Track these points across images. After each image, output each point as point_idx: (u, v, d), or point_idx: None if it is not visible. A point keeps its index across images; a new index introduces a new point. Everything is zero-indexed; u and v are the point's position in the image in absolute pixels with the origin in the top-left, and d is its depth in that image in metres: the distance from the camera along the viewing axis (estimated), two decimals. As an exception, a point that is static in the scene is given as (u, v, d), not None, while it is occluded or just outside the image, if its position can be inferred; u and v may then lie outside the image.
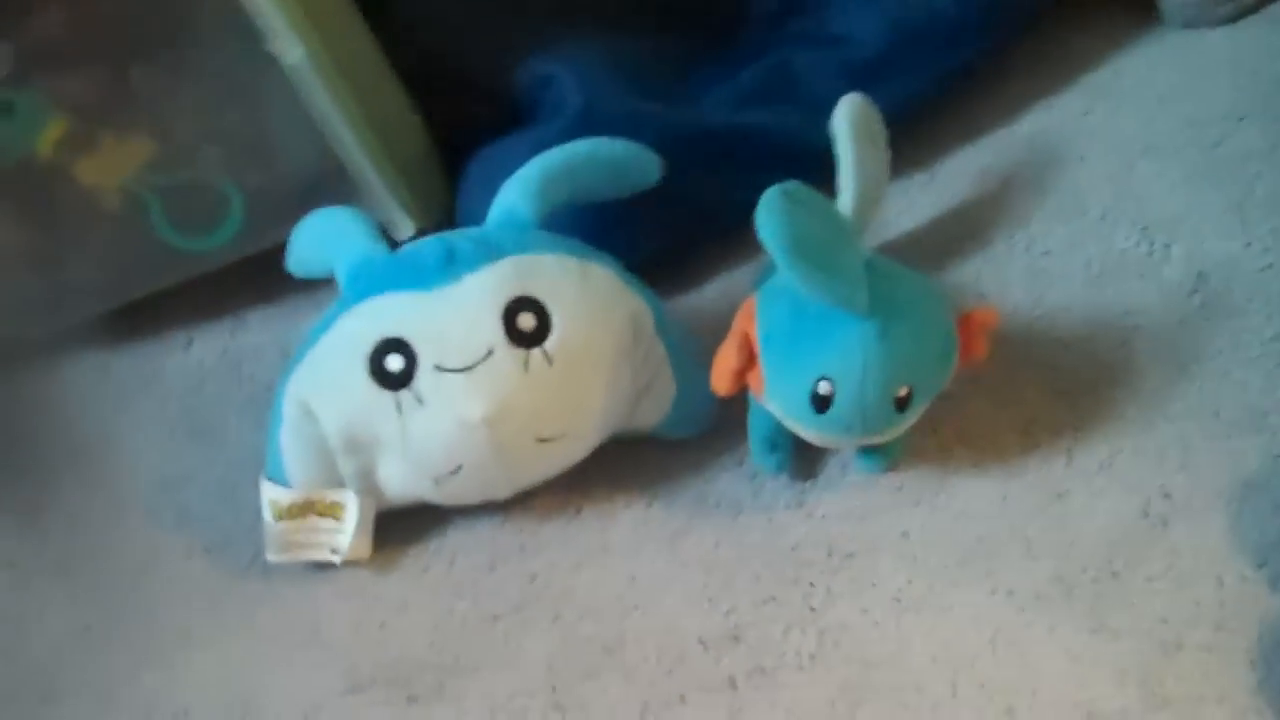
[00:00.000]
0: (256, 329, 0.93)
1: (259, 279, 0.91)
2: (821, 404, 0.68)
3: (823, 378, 0.68)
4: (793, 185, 0.67)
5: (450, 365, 0.71)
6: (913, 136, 0.87)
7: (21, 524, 0.85)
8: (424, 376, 0.71)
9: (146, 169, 0.85)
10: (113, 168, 0.85)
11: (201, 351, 0.92)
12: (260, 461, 0.82)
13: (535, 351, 0.71)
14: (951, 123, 0.91)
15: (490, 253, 0.73)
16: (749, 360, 0.71)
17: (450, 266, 0.72)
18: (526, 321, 0.71)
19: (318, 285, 0.88)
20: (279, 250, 0.84)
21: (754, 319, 0.71)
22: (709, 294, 0.87)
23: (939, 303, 0.70)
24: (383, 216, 0.87)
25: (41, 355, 0.93)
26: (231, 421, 0.87)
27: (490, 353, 0.71)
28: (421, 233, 0.86)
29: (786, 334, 0.69)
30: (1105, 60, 0.94)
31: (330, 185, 0.86)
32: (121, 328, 0.94)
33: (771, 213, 0.66)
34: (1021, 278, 0.83)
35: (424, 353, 0.71)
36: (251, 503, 0.81)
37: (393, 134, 0.86)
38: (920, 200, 0.88)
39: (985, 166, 0.89)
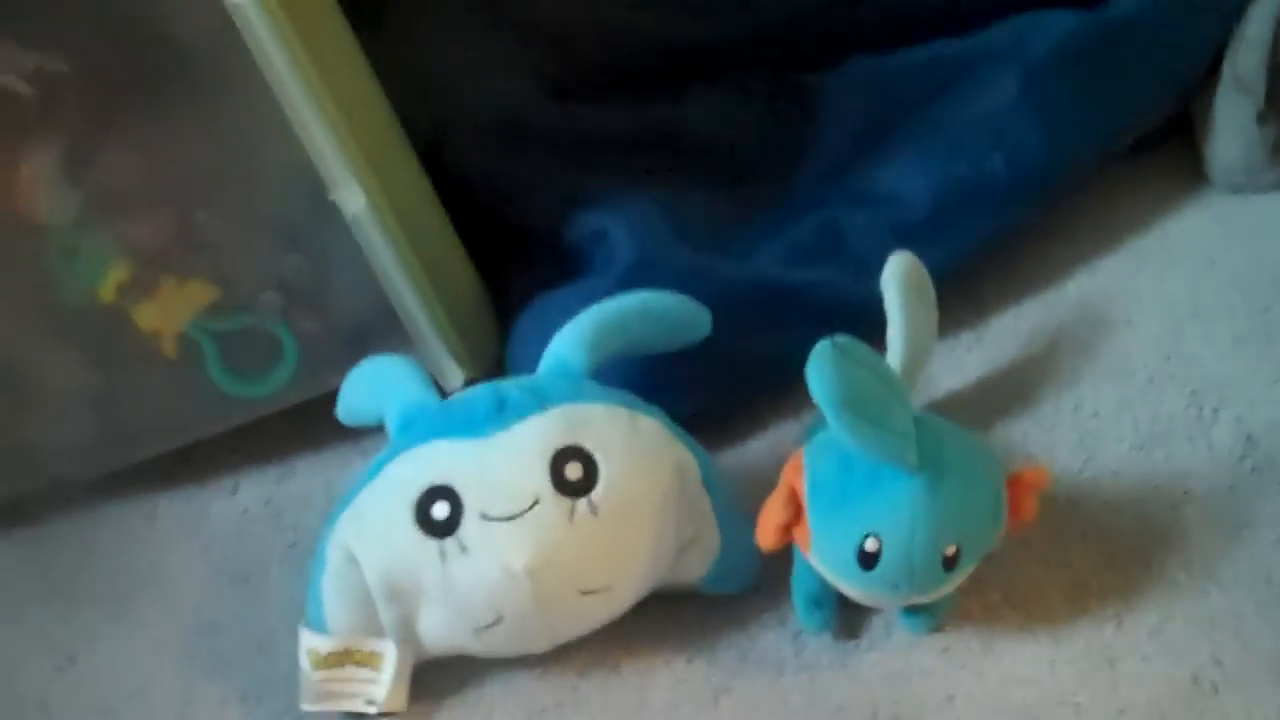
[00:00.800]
0: (303, 476, 0.93)
1: (307, 426, 0.92)
2: (868, 561, 0.68)
3: (870, 534, 0.67)
4: (844, 339, 0.67)
5: (495, 514, 0.71)
6: (960, 296, 0.88)
7: (58, 666, 0.84)
8: (469, 524, 0.71)
9: (205, 314, 0.86)
10: (172, 312, 0.86)
11: (247, 498, 0.92)
12: (299, 611, 0.81)
13: (581, 502, 0.71)
14: (999, 283, 0.92)
15: (540, 401, 0.73)
16: (795, 515, 0.70)
17: (500, 415, 0.73)
18: (574, 471, 0.71)
19: (364, 434, 0.89)
20: (328, 397, 0.85)
21: (801, 473, 0.70)
22: (755, 449, 0.87)
23: (989, 461, 0.70)
24: (433, 365, 0.88)
25: (87, 499, 0.93)
26: (273, 569, 0.87)
27: (536, 502, 0.71)
28: (470, 382, 0.87)
29: (834, 489, 0.69)
30: (1152, 223, 0.94)
31: (382, 332, 0.87)
32: (168, 471, 0.94)
33: (823, 365, 0.66)
34: (1069, 440, 0.82)
35: (470, 500, 0.71)
36: (288, 652, 0.80)
37: (446, 284, 0.87)
38: (967, 360, 0.88)
39: (1033, 328, 0.90)
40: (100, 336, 0.87)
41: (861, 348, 0.68)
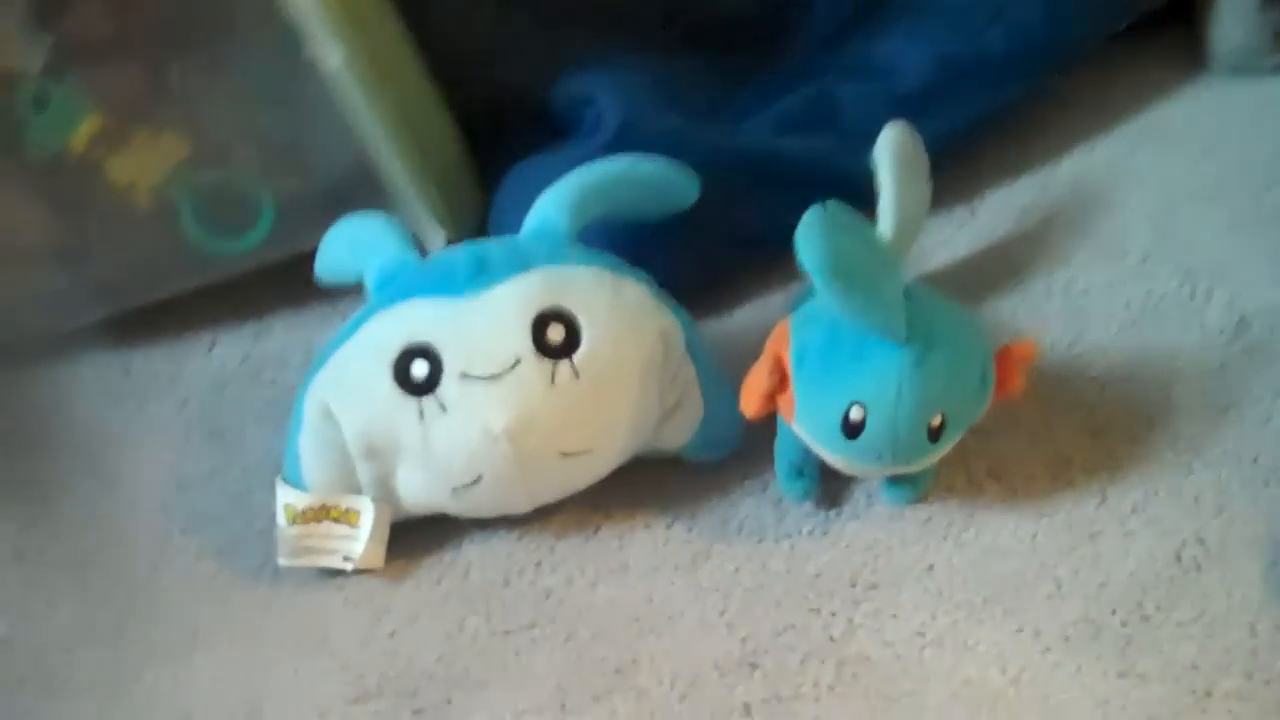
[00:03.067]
0: (280, 335, 0.91)
1: (284, 284, 0.90)
2: (853, 430, 0.67)
3: (855, 403, 0.66)
4: (835, 206, 0.66)
5: (476, 373, 0.69)
6: (954, 171, 0.87)
7: (33, 517, 0.83)
8: (448, 383, 0.70)
9: (179, 168, 0.85)
10: (146, 166, 0.84)
11: (223, 355, 0.91)
12: (276, 467, 0.81)
13: (563, 364, 0.70)
14: (994, 159, 0.91)
15: (523, 262, 0.72)
16: (780, 383, 0.69)
17: (482, 274, 0.71)
18: (556, 333, 0.70)
19: (342, 293, 0.88)
20: (306, 256, 0.84)
21: (787, 341, 0.69)
22: (741, 319, 0.86)
23: (977, 334, 0.69)
24: (415, 225, 0.86)
25: (62, 351, 0.92)
26: (250, 426, 0.86)
27: (517, 362, 0.70)
28: (452, 244, 0.85)
29: (820, 357, 0.68)
30: (1151, 104, 0.93)
31: (362, 192, 0.85)
32: (143, 327, 0.92)
33: (812, 232, 0.64)
34: (1059, 316, 0.81)
35: (450, 359, 0.70)
36: (265, 508, 0.79)
37: (428, 143, 0.86)
38: (959, 235, 0.87)
39: (1026, 204, 0.88)
40: (72, 189, 0.85)
41: (852, 215, 0.67)
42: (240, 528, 0.80)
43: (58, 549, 0.82)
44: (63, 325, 0.91)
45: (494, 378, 0.69)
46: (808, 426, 0.69)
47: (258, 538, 0.79)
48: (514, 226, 0.82)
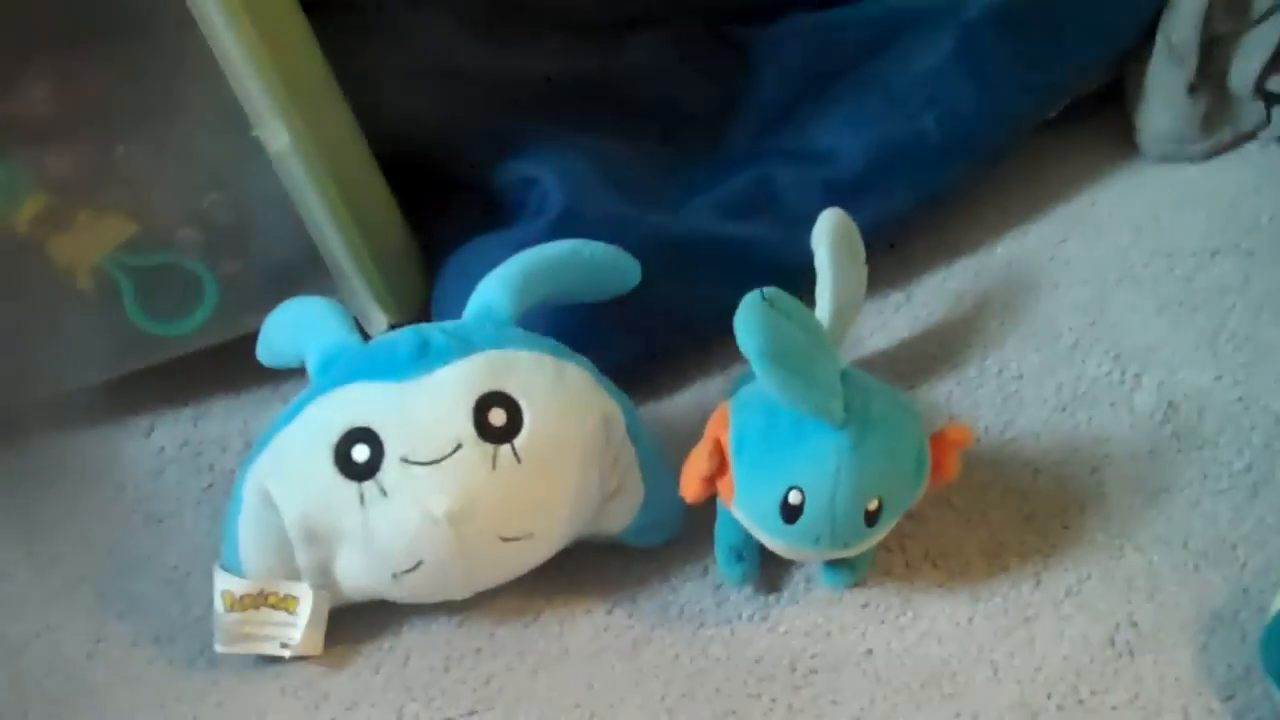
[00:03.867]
0: (220, 419, 0.91)
1: (224, 367, 0.90)
2: (791, 514, 0.68)
3: (793, 487, 0.67)
4: (773, 291, 0.67)
5: (417, 458, 0.70)
6: (890, 255, 0.89)
7: (-36, 606, 0.82)
8: (389, 468, 0.70)
9: (122, 249, 0.84)
10: (89, 246, 0.84)
11: (162, 438, 0.90)
12: (214, 553, 0.80)
13: (504, 448, 0.70)
14: (928, 244, 0.92)
15: (465, 346, 0.72)
16: (720, 467, 0.70)
17: (424, 358, 0.72)
18: (497, 417, 0.70)
19: (283, 376, 0.88)
20: (247, 339, 0.84)
21: (727, 425, 0.70)
22: (680, 403, 0.87)
23: (913, 418, 0.70)
24: (357, 309, 0.86)
25: (-1, 433, 0.91)
26: (188, 512, 0.85)
27: (458, 447, 0.70)
28: (394, 327, 0.86)
29: (759, 441, 0.69)
30: (1082, 189, 0.95)
31: (305, 274, 0.86)
32: (81, 409, 0.92)
33: (750, 316, 0.65)
34: (992, 401, 0.83)
35: (391, 443, 0.70)
36: (202, 594, 0.79)
37: (372, 226, 0.86)
38: (895, 319, 0.89)
39: (960, 289, 0.90)
40: (12, 270, 0.85)
41: (789, 300, 0.68)
42: (177, 614, 0.80)
43: (-12, 635, 0.81)
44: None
45: (435, 462, 0.70)
46: (747, 510, 0.70)
47: (194, 625, 0.79)
48: (456, 309, 0.83)
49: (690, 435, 0.80)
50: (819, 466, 0.67)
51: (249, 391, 0.92)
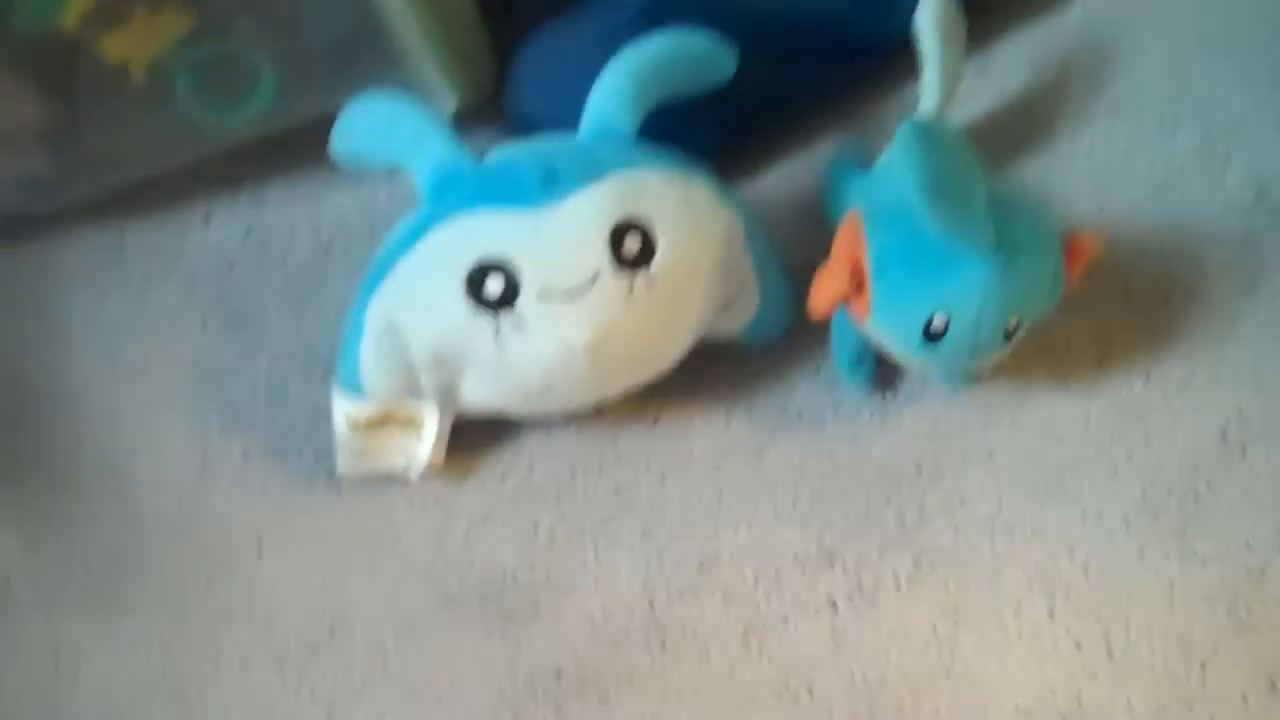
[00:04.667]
0: (280, 207, 0.88)
1: (277, 152, 0.87)
2: (934, 336, 0.68)
3: (939, 310, 0.68)
4: (925, 122, 0.66)
5: (555, 290, 0.69)
6: (966, 17, 0.85)
7: (54, 414, 0.81)
8: (526, 300, 0.69)
9: (178, 43, 0.79)
10: (143, 42, 0.79)
11: (222, 230, 0.87)
12: (306, 357, 0.80)
13: (639, 274, 0.69)
14: (1003, 6, 0.89)
15: (592, 171, 0.70)
16: (857, 287, 0.70)
17: (552, 184, 0.69)
18: (632, 245, 0.69)
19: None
20: (298, 124, 0.80)
21: (862, 244, 0.70)
22: (769, 182, 0.85)
23: (1052, 236, 0.70)
24: (423, 88, 0.83)
25: (48, 232, 0.87)
26: (269, 311, 0.84)
27: (596, 276, 0.69)
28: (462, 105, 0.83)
29: (903, 264, 0.68)
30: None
31: (363, 54, 0.82)
32: (131, 201, 0.88)
33: (913, 152, 0.64)
34: (1085, 182, 0.83)
35: (527, 276, 0.69)
36: (304, 402, 0.79)
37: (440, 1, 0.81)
38: (978, 86, 0.87)
39: (1039, 54, 0.88)
40: (63, 67, 0.79)
41: (939, 128, 0.67)
42: (281, 427, 0.79)
43: (87, 453, 0.80)
44: (48, 205, 0.86)
45: (573, 294, 0.69)
46: (886, 329, 0.70)
47: (302, 437, 0.78)
48: (536, 99, 0.81)
49: (780, 214, 0.81)
50: (966, 292, 0.67)
51: (304, 178, 0.88)
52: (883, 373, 0.77)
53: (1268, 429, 0.73)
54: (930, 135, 0.65)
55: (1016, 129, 0.85)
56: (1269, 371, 0.75)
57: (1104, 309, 0.78)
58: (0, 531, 0.77)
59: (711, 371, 0.78)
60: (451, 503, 0.76)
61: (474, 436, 0.77)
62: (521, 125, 0.82)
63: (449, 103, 0.84)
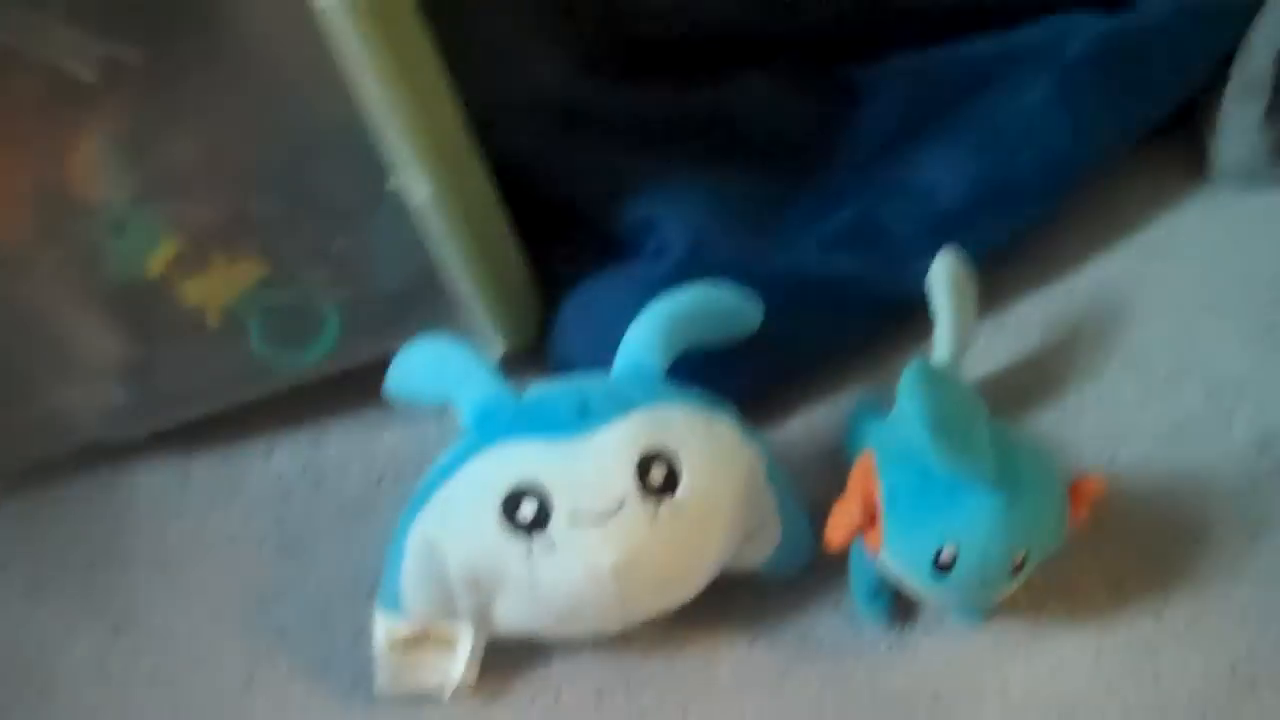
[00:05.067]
0: (337, 442, 0.94)
1: (336, 390, 0.93)
2: (943, 568, 0.72)
3: (947, 544, 0.71)
4: (929, 364, 0.71)
5: (585, 515, 0.73)
6: (983, 283, 0.92)
7: (116, 631, 0.85)
8: (557, 523, 0.73)
9: (252, 289, 0.87)
10: (220, 289, 0.86)
11: (282, 463, 0.93)
12: (352, 581, 0.84)
13: (664, 503, 0.74)
14: (1016, 271, 0.96)
15: (623, 405, 0.75)
16: (870, 519, 0.74)
17: (584, 417, 0.75)
18: (658, 474, 0.74)
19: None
20: (358, 364, 0.87)
21: (875, 479, 0.74)
22: (792, 430, 0.90)
23: (1055, 475, 0.74)
24: (477, 336, 0.89)
25: (119, 461, 0.93)
26: (320, 539, 0.88)
27: (623, 503, 0.73)
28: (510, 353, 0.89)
29: (913, 499, 0.73)
30: (1158, 216, 0.99)
31: (424, 303, 0.88)
32: (198, 435, 0.94)
33: (918, 387, 0.69)
34: (1095, 433, 0.87)
35: (559, 500, 0.73)
36: (346, 624, 0.83)
37: (496, 260, 0.88)
38: (992, 346, 0.92)
39: (1051, 316, 0.94)
40: (143, 309, 0.87)
41: (941, 370, 0.72)
42: (326, 645, 0.83)
43: (145, 664, 0.84)
44: (123, 437, 0.93)
45: (602, 518, 0.73)
46: (898, 561, 0.74)
47: (344, 656, 0.82)
48: (580, 346, 0.87)
49: (804, 457, 0.86)
50: (973, 526, 0.71)
51: (363, 414, 0.94)
52: (901, 607, 0.80)
53: (1275, 668, 0.75)
54: (932, 375, 0.70)
55: (1030, 383, 0.90)
56: (1275, 613, 0.78)
57: (1115, 551, 0.81)
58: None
59: (735, 601, 0.81)
60: (482, 722, 0.79)
61: (506, 658, 0.80)
62: (564, 368, 0.88)
63: (498, 347, 0.91)
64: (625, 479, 0.74)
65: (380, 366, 0.84)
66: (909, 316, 0.89)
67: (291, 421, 0.95)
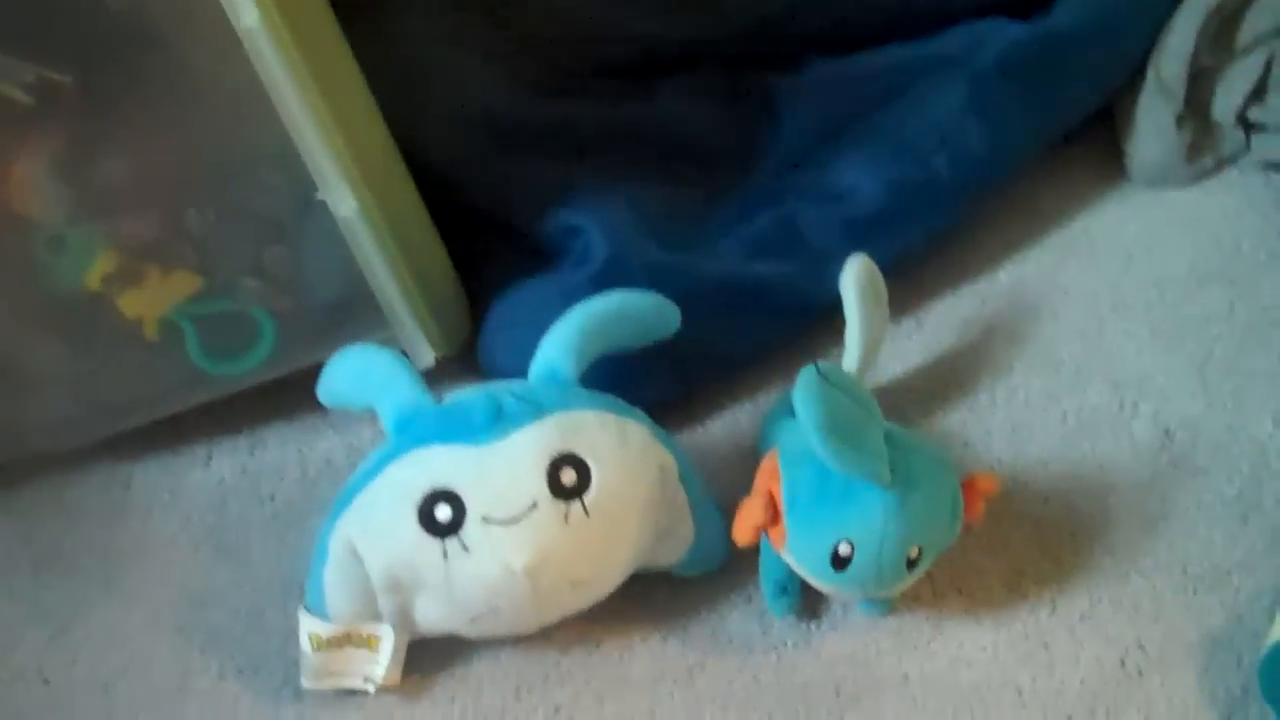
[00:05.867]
0: (274, 447, 0.96)
1: (275, 397, 0.96)
2: (841, 563, 0.75)
3: (844, 540, 0.74)
4: (825, 366, 0.73)
5: (497, 517, 0.76)
6: (901, 284, 0.94)
7: (55, 636, 0.88)
8: (471, 526, 0.76)
9: (188, 301, 0.89)
10: (156, 301, 0.89)
11: (221, 468, 0.96)
12: (285, 584, 0.87)
13: (575, 504, 0.77)
14: (935, 272, 0.98)
15: (535, 410, 0.78)
16: (773, 517, 0.77)
17: (498, 422, 0.78)
18: (569, 476, 0.77)
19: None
20: (297, 370, 0.89)
21: (778, 479, 0.77)
22: (713, 430, 0.93)
23: (948, 472, 0.77)
24: (407, 345, 0.92)
25: (62, 469, 0.96)
26: (255, 542, 0.91)
27: (534, 505, 0.76)
28: (439, 362, 0.92)
29: (811, 497, 0.75)
30: (1075, 217, 1.02)
31: (357, 311, 0.91)
32: (141, 442, 0.97)
33: (809, 392, 0.72)
34: (1003, 429, 0.90)
35: (472, 504, 0.76)
36: (278, 626, 0.85)
37: (422, 269, 0.91)
38: (909, 347, 0.95)
39: (967, 316, 0.97)
40: (83, 322, 0.90)
41: (839, 372, 0.75)
42: (257, 646, 0.86)
43: (82, 669, 0.87)
44: (67, 445, 0.95)
45: (513, 520, 0.76)
46: (798, 557, 0.77)
47: (275, 657, 0.85)
48: (505, 353, 0.90)
49: (723, 461, 0.88)
50: (868, 523, 0.74)
51: (301, 419, 0.97)
52: (808, 604, 0.83)
53: (1164, 658, 0.78)
54: (824, 380, 0.73)
55: (944, 381, 0.93)
56: (1167, 605, 0.80)
57: (1015, 546, 0.84)
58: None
59: (650, 598, 0.84)
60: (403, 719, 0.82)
61: (428, 657, 0.83)
62: (494, 374, 0.91)
63: (427, 355, 0.93)
64: (536, 481, 0.76)
65: (316, 374, 0.87)
66: (830, 318, 0.91)
67: (230, 428, 0.98)
